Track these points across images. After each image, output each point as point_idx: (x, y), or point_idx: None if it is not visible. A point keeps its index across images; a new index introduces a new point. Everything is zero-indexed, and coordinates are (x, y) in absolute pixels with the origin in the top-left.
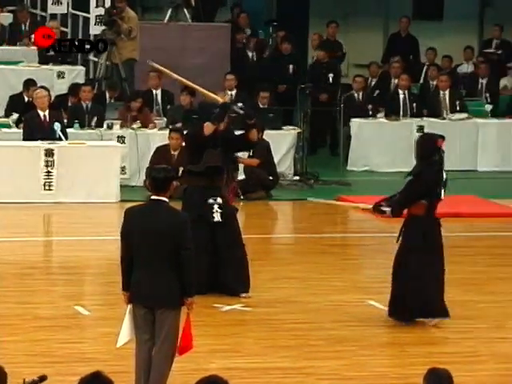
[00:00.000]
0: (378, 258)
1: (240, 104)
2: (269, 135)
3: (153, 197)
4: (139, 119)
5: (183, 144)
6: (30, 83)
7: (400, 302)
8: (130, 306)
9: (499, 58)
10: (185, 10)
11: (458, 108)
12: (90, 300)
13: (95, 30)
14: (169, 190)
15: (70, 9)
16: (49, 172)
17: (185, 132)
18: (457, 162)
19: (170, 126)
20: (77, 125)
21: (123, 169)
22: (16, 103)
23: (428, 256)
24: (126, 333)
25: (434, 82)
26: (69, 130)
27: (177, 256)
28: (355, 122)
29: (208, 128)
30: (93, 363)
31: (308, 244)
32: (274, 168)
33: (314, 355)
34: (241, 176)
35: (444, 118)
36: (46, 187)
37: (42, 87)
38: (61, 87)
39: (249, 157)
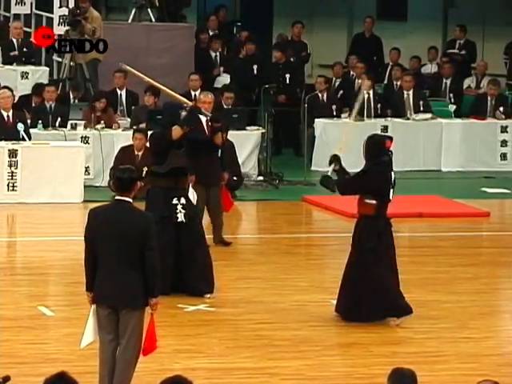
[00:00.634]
0: (342, 258)
1: None
2: (233, 135)
3: (117, 197)
4: (103, 120)
5: (147, 144)
6: None
7: (360, 303)
8: (93, 307)
9: (463, 58)
10: (149, 10)
11: (421, 108)
12: (53, 300)
13: (59, 30)
14: (133, 191)
15: (33, 9)
16: (12, 172)
17: (150, 132)
18: (420, 162)
19: (134, 127)
20: (40, 125)
21: (87, 169)
22: None
23: (384, 256)
24: (89, 333)
25: (398, 83)
26: (32, 131)
27: (141, 256)
28: (319, 123)
29: (176, 132)
30: (57, 364)
31: (272, 244)
32: (239, 168)
33: (278, 355)
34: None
35: (408, 119)
36: (10, 188)
37: (6, 87)
38: (24, 87)
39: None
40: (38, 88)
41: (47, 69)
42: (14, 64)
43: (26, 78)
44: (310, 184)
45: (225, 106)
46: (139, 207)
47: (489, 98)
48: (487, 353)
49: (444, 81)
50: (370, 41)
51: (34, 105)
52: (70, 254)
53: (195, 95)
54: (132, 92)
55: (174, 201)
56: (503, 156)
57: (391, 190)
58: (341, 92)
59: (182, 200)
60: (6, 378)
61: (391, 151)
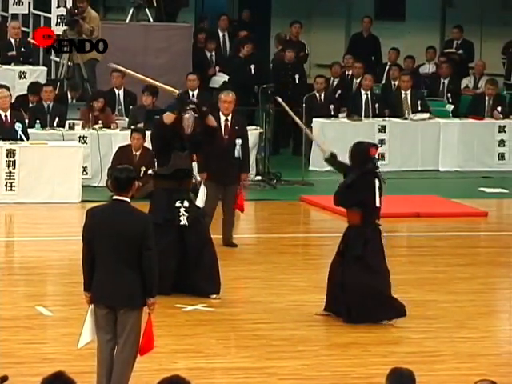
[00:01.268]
0: None
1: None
2: None
3: (115, 197)
4: (101, 119)
5: (145, 144)
6: None
7: (357, 307)
8: (91, 307)
9: (461, 58)
10: (146, 10)
11: (419, 108)
12: (51, 300)
13: (57, 30)
14: (131, 191)
15: (31, 9)
16: (10, 172)
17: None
18: (418, 162)
19: (132, 127)
20: (38, 125)
21: (85, 169)
22: None
23: (372, 262)
24: (87, 333)
25: (396, 82)
26: (30, 131)
27: (139, 256)
28: (317, 122)
29: (168, 117)
30: (54, 364)
31: (270, 244)
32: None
33: (276, 355)
34: None
35: (406, 118)
36: (8, 187)
37: (4, 87)
38: (22, 87)
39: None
40: (34, 87)
41: (45, 69)
42: (12, 64)
43: (24, 77)
44: (307, 184)
45: None
46: (140, 208)
47: (487, 98)
48: (485, 352)
49: (442, 80)
50: (368, 41)
51: (30, 104)
52: (68, 253)
53: (193, 94)
54: (130, 92)
55: (177, 204)
56: (501, 156)
57: (377, 198)
58: (338, 92)
59: (185, 203)
60: (4, 378)
61: (377, 159)
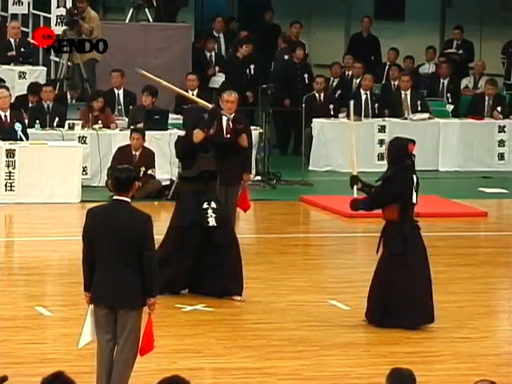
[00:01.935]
0: (339, 258)
1: None
2: None
3: (115, 197)
4: (101, 119)
5: (144, 144)
6: None
7: (396, 309)
8: (91, 307)
9: (460, 58)
10: (146, 10)
11: (419, 108)
12: (51, 301)
13: (56, 30)
14: (131, 191)
15: (31, 9)
16: (10, 172)
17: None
18: (418, 162)
19: (132, 127)
20: (38, 125)
21: (85, 169)
22: None
23: (413, 259)
24: (87, 333)
25: (396, 83)
26: (30, 131)
27: (139, 256)
28: (317, 123)
29: (197, 135)
30: (54, 364)
31: (270, 244)
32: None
33: (276, 355)
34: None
35: (406, 119)
36: (8, 188)
37: (4, 87)
38: (22, 87)
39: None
40: (34, 87)
41: (45, 69)
42: (12, 64)
43: (24, 77)
44: (307, 184)
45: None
46: (140, 208)
47: (486, 98)
48: (485, 353)
49: (441, 81)
50: (368, 41)
51: (30, 104)
52: (68, 254)
53: (192, 94)
54: (129, 92)
55: (205, 205)
56: (501, 156)
57: (414, 194)
58: (338, 92)
59: (213, 204)
60: (4, 378)
61: (414, 154)
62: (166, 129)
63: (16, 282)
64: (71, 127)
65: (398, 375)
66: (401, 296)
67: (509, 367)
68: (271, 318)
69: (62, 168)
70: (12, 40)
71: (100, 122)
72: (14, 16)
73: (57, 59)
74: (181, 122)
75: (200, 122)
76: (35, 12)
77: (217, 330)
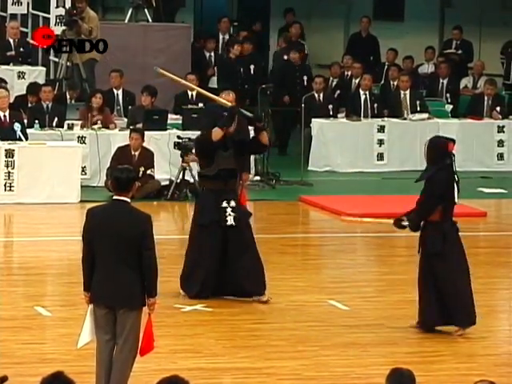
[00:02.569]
0: (338, 258)
1: None
2: None
3: (115, 197)
4: (100, 119)
5: (143, 144)
6: None
7: (436, 309)
8: (90, 307)
9: (460, 58)
10: (145, 10)
11: (418, 108)
12: (50, 301)
13: (55, 30)
14: (131, 191)
15: (30, 9)
16: (9, 173)
17: (147, 133)
18: (417, 162)
19: (131, 127)
20: (37, 125)
21: (84, 169)
22: None
23: (453, 259)
24: (86, 333)
25: (395, 83)
26: (29, 131)
27: (139, 256)
28: (316, 123)
29: (217, 134)
30: (53, 364)
31: (269, 244)
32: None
33: (276, 355)
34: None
35: (405, 119)
36: (7, 188)
37: (2, 87)
38: (21, 87)
39: None
40: (33, 87)
41: (44, 69)
42: (11, 64)
43: (23, 78)
44: (307, 184)
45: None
46: (140, 208)
47: (485, 98)
48: (484, 353)
49: (441, 81)
50: (367, 41)
51: (29, 104)
52: (67, 254)
53: (192, 95)
54: (129, 92)
55: (224, 204)
56: (500, 156)
57: (456, 193)
58: (337, 92)
59: (232, 203)
60: (3, 378)
61: (454, 154)
62: (165, 129)
63: (15, 282)
64: (70, 127)
65: (397, 375)
66: (452, 295)
67: (508, 367)
68: (270, 318)
69: (61, 168)
70: (11, 40)
71: (99, 122)
72: (13, 16)
73: (56, 59)
74: (180, 122)
75: (219, 120)
76: (34, 12)
77: (216, 330)
